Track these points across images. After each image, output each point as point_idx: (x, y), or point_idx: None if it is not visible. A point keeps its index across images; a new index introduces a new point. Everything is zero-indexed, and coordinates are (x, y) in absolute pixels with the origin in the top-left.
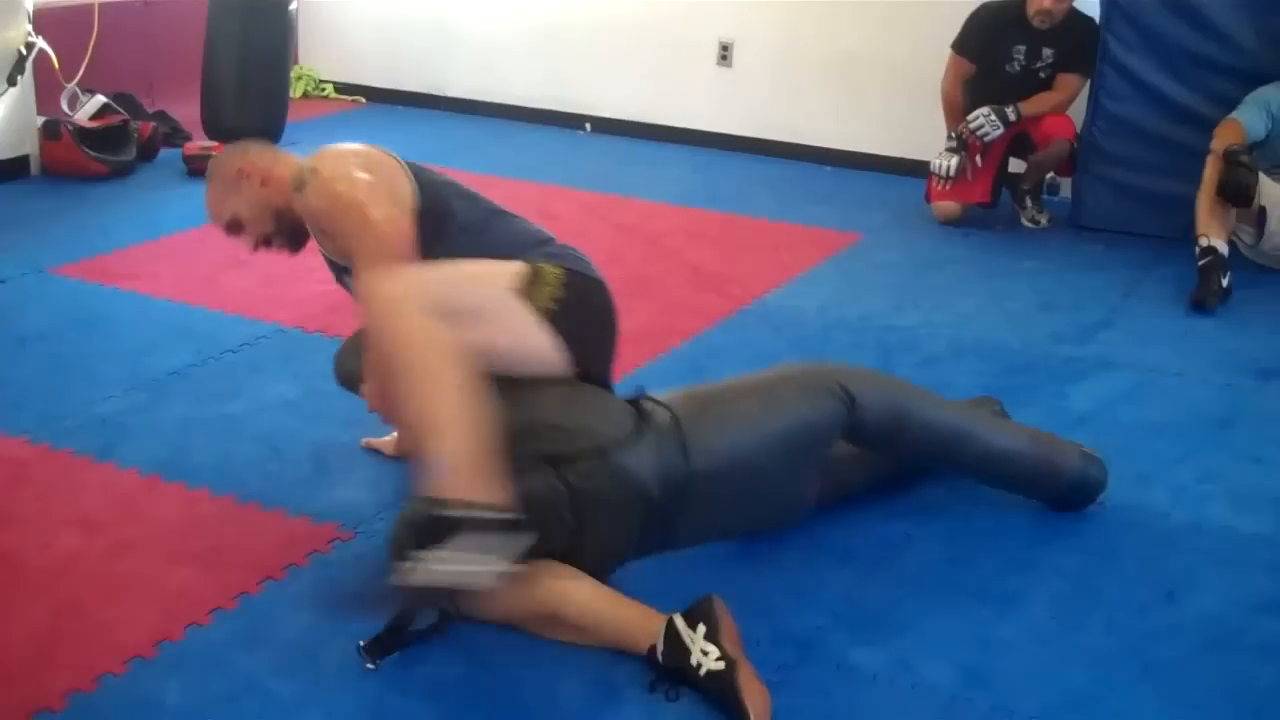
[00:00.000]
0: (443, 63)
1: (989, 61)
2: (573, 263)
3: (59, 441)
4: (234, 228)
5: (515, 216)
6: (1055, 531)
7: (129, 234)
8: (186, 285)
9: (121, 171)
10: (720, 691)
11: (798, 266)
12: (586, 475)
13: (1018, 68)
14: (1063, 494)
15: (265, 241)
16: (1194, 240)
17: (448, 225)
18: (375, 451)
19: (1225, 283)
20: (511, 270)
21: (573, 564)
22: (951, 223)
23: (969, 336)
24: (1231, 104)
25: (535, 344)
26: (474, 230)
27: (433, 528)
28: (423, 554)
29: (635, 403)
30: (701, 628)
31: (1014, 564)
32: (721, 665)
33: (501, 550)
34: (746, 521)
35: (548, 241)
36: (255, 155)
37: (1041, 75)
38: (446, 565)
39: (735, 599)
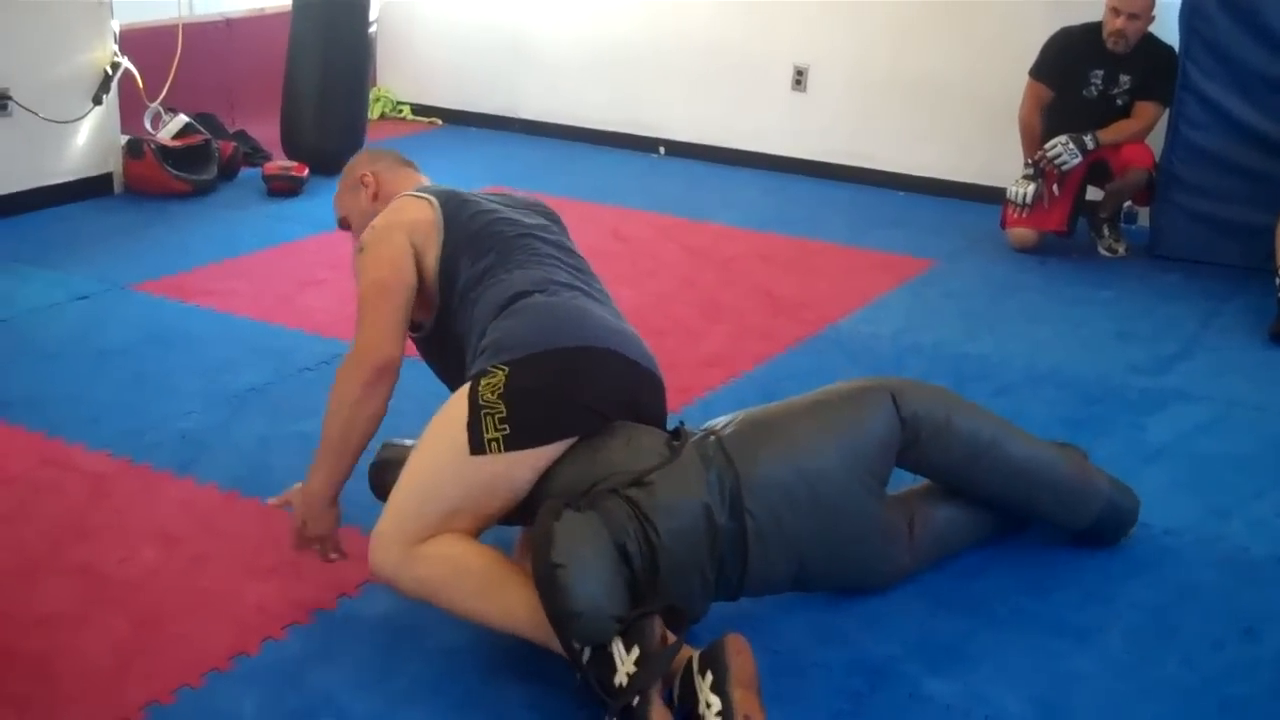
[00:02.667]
0: (516, 84)
1: (1066, 87)
2: (524, 335)
3: (139, 456)
4: (345, 225)
5: (504, 268)
6: (1131, 565)
7: (208, 252)
8: (264, 303)
9: (202, 190)
10: None
11: (871, 292)
12: (637, 500)
13: (1095, 93)
14: (1094, 520)
15: None
16: (1273, 271)
17: (451, 301)
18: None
19: None
20: (456, 434)
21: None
22: (1027, 250)
23: (1044, 365)
24: None
25: (517, 476)
26: (465, 304)
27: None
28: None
29: (675, 432)
30: (709, 675)
31: (1090, 597)
32: None
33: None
34: (827, 558)
35: (516, 298)
36: (383, 167)
37: (1119, 102)
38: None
39: (809, 626)
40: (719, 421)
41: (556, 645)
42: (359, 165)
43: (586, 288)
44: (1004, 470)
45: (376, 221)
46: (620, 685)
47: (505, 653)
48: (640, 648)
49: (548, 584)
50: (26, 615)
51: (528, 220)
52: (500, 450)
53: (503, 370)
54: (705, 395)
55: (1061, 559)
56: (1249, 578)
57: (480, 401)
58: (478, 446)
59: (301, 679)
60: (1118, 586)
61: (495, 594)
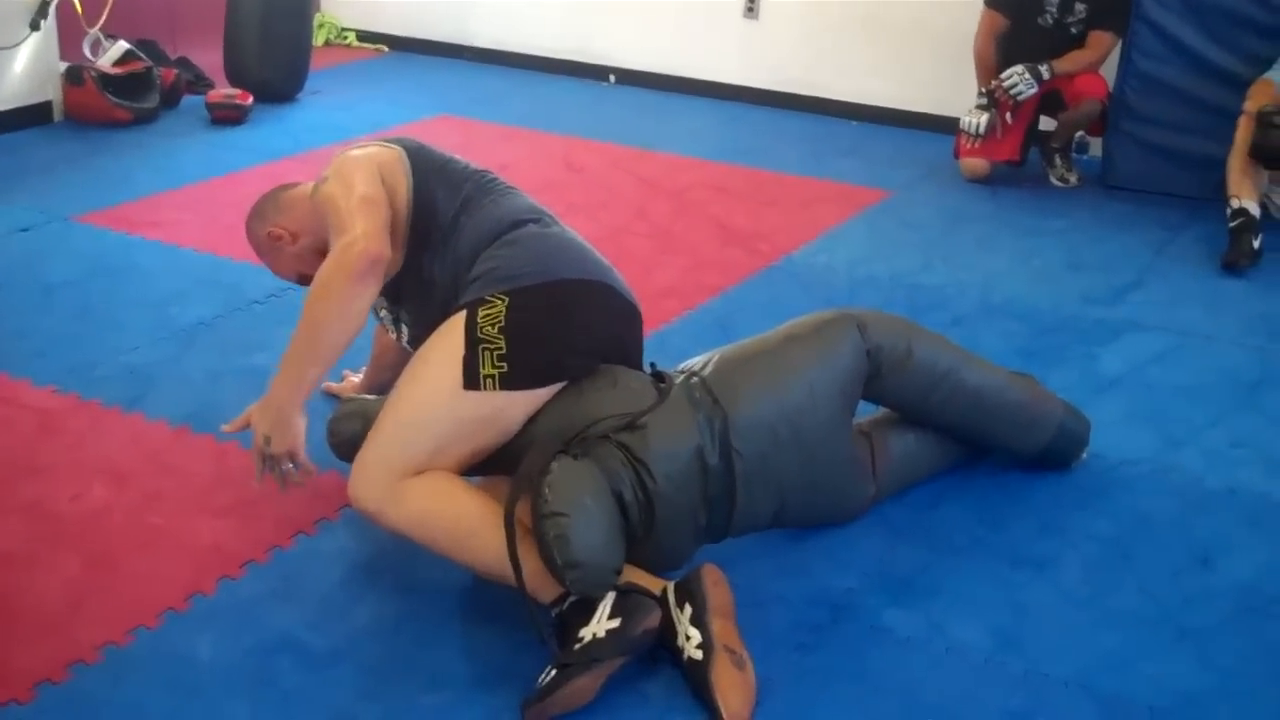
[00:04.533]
0: (466, 12)
1: (1021, 16)
2: (525, 265)
3: (87, 391)
4: (305, 281)
5: (487, 197)
6: (1086, 495)
7: (152, 182)
8: (211, 234)
9: (144, 118)
10: (696, 683)
11: (825, 223)
12: (631, 445)
13: (1050, 22)
14: (1048, 445)
15: None
16: (1225, 201)
17: (431, 234)
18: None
19: (1257, 245)
20: (450, 366)
21: (643, 552)
22: (979, 180)
23: (998, 296)
24: (1266, 64)
25: (510, 417)
26: (448, 233)
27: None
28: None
29: (656, 374)
30: (688, 607)
31: (1046, 528)
32: (700, 654)
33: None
34: (806, 492)
35: (514, 227)
36: (271, 215)
37: (1074, 30)
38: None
39: (769, 559)
40: (695, 362)
41: (545, 590)
42: (255, 231)
43: (559, 221)
44: (960, 399)
45: (336, 161)
46: (581, 639)
47: (464, 592)
48: (622, 622)
49: (548, 533)
50: None
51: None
52: (495, 388)
53: (502, 300)
54: (660, 328)
55: (1017, 490)
56: (1203, 507)
57: (479, 335)
58: (472, 382)
59: (259, 618)
60: (1074, 517)
61: (485, 535)
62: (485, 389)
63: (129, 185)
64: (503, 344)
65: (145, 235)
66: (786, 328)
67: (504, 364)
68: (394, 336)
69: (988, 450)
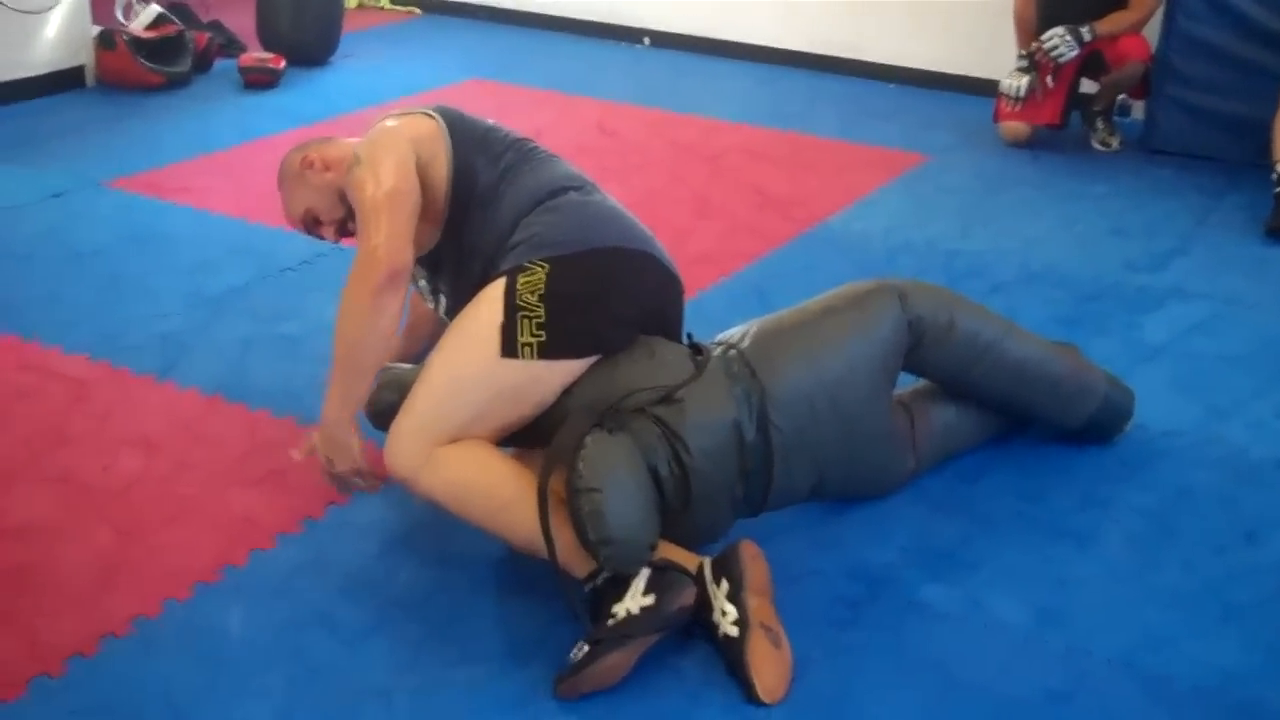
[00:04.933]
0: None
1: None
2: (566, 232)
3: (119, 360)
4: (311, 222)
5: (527, 164)
6: (1130, 468)
7: (184, 147)
8: (244, 200)
9: (177, 83)
10: (731, 660)
11: (863, 188)
12: (667, 419)
13: None
14: (1091, 418)
15: (344, 229)
16: (1270, 165)
17: (471, 204)
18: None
19: None
20: (488, 334)
21: (679, 528)
22: (1020, 144)
23: (1038, 263)
24: None
25: (547, 387)
26: (488, 202)
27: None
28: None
29: (693, 346)
30: (725, 584)
31: (1088, 500)
32: (735, 631)
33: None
34: (845, 465)
35: (554, 194)
36: (315, 146)
37: None
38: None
39: (806, 532)
40: (733, 333)
41: (578, 564)
42: (290, 160)
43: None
44: (1003, 371)
45: (372, 134)
46: (615, 615)
47: (498, 563)
48: (657, 599)
49: (582, 508)
50: (6, 525)
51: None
52: (533, 356)
53: (543, 267)
54: (697, 295)
55: (1059, 462)
56: (1249, 480)
57: (518, 302)
58: (510, 350)
59: (291, 590)
60: (1116, 489)
61: (520, 508)
62: (523, 357)
63: (161, 150)
64: (542, 312)
65: (176, 201)
66: (825, 298)
67: (542, 332)
68: (431, 306)
69: (1030, 423)
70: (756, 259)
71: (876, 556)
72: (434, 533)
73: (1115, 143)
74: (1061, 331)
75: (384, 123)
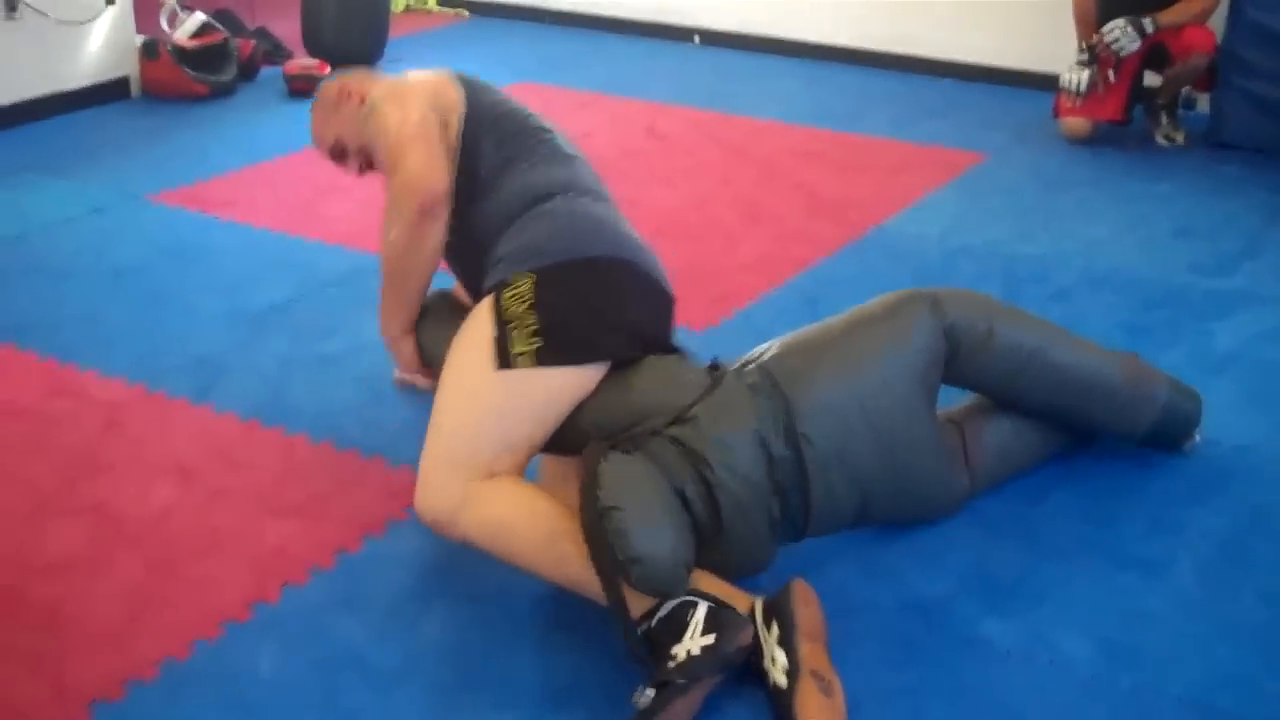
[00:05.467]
0: None
1: None
2: (551, 240)
3: (155, 382)
4: (338, 153)
5: (526, 160)
6: (1200, 487)
7: (229, 158)
8: (286, 213)
9: (222, 92)
10: (779, 711)
11: (918, 190)
12: (684, 438)
13: None
14: (1153, 426)
15: (369, 163)
16: None
17: (473, 185)
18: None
19: None
20: (481, 353)
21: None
22: (1080, 141)
23: (1102, 266)
24: None
25: (557, 396)
26: (487, 188)
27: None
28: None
29: (713, 366)
30: (776, 628)
31: (1157, 526)
32: (784, 681)
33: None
34: (890, 483)
35: (541, 199)
36: (356, 77)
37: None
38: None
39: (857, 561)
40: (756, 350)
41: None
42: (329, 86)
43: (604, 194)
44: (1050, 380)
45: (388, 82)
46: (675, 657)
47: (537, 600)
48: (717, 638)
49: (599, 530)
50: (37, 558)
51: (540, 118)
52: (531, 365)
53: (528, 279)
54: (746, 306)
55: (1125, 482)
56: None
57: (507, 315)
58: (505, 362)
59: (323, 629)
60: (1186, 512)
61: (565, 544)
62: (519, 367)
63: (205, 162)
64: (533, 321)
65: (219, 215)
66: (854, 311)
67: (537, 339)
68: None
69: (1090, 436)
70: (808, 266)
71: (932, 587)
72: (469, 567)
73: (1180, 138)
74: (1127, 340)
75: (407, 75)
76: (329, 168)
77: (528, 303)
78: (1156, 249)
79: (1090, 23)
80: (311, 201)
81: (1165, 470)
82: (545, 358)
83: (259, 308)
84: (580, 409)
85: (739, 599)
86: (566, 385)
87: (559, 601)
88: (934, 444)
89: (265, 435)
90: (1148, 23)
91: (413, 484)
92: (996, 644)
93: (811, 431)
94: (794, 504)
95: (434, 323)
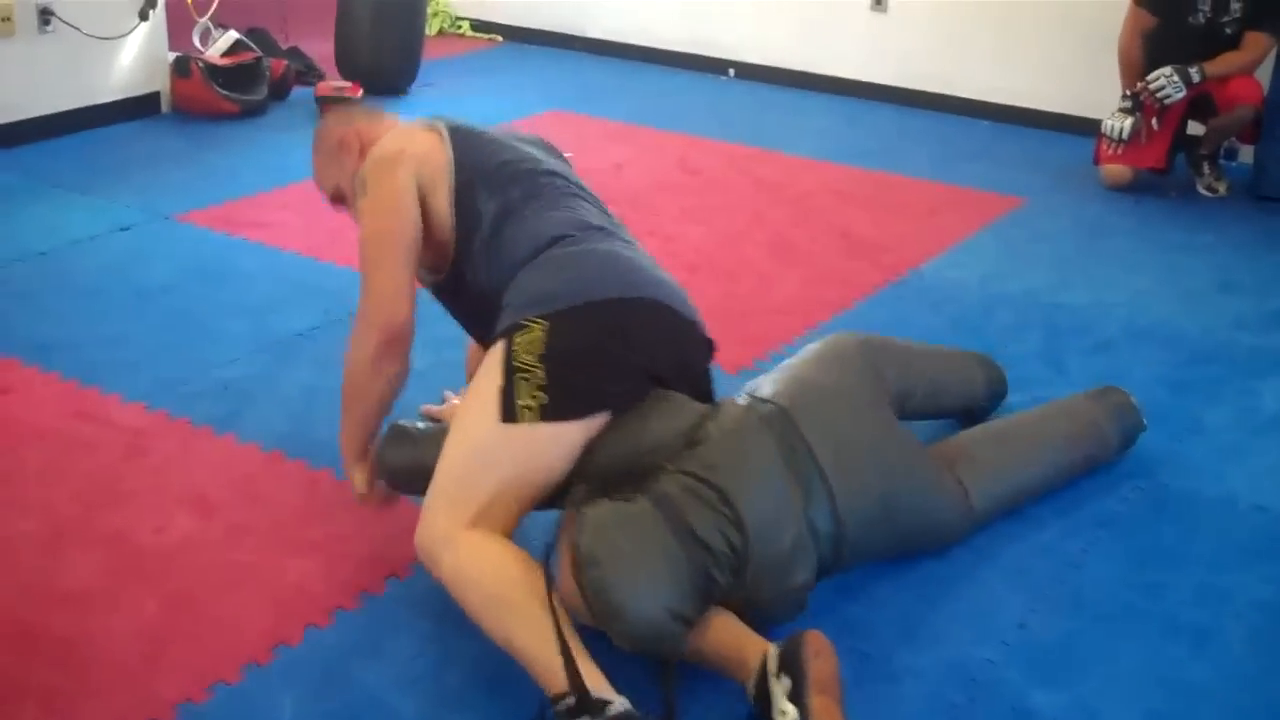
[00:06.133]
0: (582, 1)
1: (1171, 13)
2: (563, 284)
3: (177, 409)
4: (338, 199)
5: (528, 206)
6: (1249, 554)
7: (258, 179)
8: (315, 237)
9: (253, 111)
10: None
11: (955, 233)
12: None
13: (1202, 20)
14: (1114, 459)
15: None
16: None
17: (473, 241)
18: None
19: None
20: (488, 402)
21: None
22: (1121, 188)
23: (1145, 319)
24: None
25: (561, 449)
26: (490, 241)
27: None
28: None
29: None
30: (785, 680)
31: (1204, 593)
32: None
33: None
34: (901, 479)
35: (554, 242)
36: (360, 124)
37: (1228, 31)
38: None
39: (898, 621)
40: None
41: (551, 681)
42: (332, 127)
43: (618, 231)
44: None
45: (376, 151)
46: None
47: None
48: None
49: (585, 588)
50: (54, 590)
51: (547, 160)
52: (536, 420)
53: (539, 324)
54: (779, 348)
55: (1169, 543)
56: None
57: (515, 363)
58: (510, 415)
59: (346, 675)
60: (1234, 579)
61: (503, 608)
62: (523, 421)
63: (233, 182)
64: (541, 373)
65: (247, 237)
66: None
67: (543, 394)
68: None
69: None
70: (843, 310)
71: (977, 653)
72: None
73: (1223, 188)
74: (1171, 397)
75: (392, 136)
76: None
77: (537, 353)
78: (1200, 302)
79: (1135, 69)
80: (339, 227)
81: (1211, 533)
82: (549, 414)
83: (285, 334)
84: (590, 449)
85: (751, 647)
86: (570, 438)
87: (593, 648)
88: (918, 448)
89: (288, 468)
90: (1195, 72)
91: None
92: (1044, 716)
93: (815, 441)
94: (822, 523)
95: (400, 440)
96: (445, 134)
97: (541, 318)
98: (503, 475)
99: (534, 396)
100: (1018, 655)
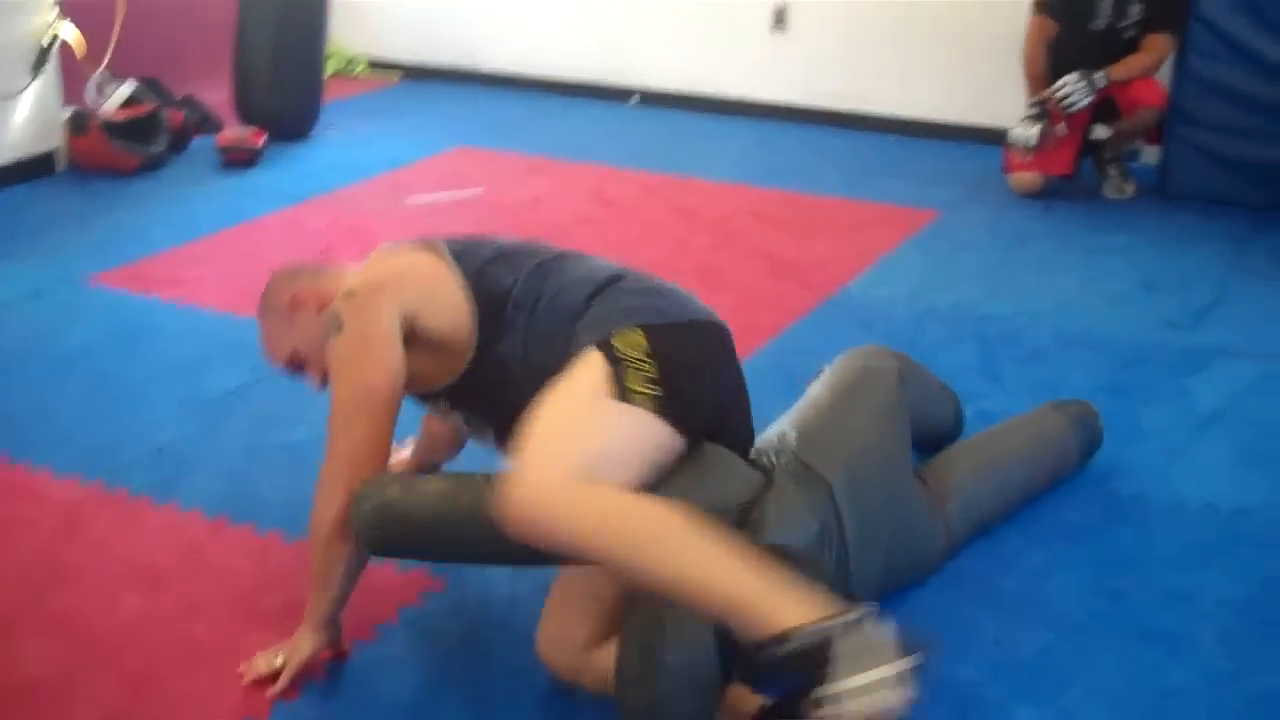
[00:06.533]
0: (479, 36)
1: (1073, 20)
2: (646, 304)
3: (114, 480)
4: (295, 364)
5: (559, 264)
6: (1207, 554)
7: (167, 235)
8: (233, 292)
9: (153, 164)
10: None
11: (877, 249)
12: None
13: (1103, 25)
14: (1077, 468)
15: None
16: None
17: (503, 315)
18: None
19: None
20: (595, 381)
21: None
22: (1031, 195)
23: (1073, 325)
24: None
25: (657, 454)
26: (529, 307)
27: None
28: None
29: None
30: None
31: (1171, 595)
32: None
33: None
34: (901, 535)
35: (612, 280)
36: (308, 280)
37: (1128, 35)
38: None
39: None
40: (771, 435)
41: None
42: (278, 292)
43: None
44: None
45: (353, 283)
46: None
47: (542, 700)
48: None
49: (626, 699)
50: (8, 684)
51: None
52: (649, 409)
53: (636, 330)
54: None
55: (1128, 551)
56: None
57: (621, 356)
58: (622, 394)
59: None
60: (1196, 579)
61: (698, 541)
62: (635, 404)
63: (142, 240)
64: (650, 368)
65: (162, 295)
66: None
67: (656, 388)
68: (462, 428)
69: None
70: (777, 333)
71: (958, 673)
72: (470, 668)
73: (1130, 190)
74: (1109, 401)
75: (373, 264)
76: (271, 241)
77: (642, 349)
78: (1125, 304)
79: (1039, 78)
80: (257, 278)
81: (1167, 536)
82: (663, 408)
83: (215, 394)
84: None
85: (747, 701)
86: (669, 447)
87: (565, 700)
88: (920, 490)
89: (235, 534)
90: (1100, 77)
91: (403, 585)
92: None
93: (847, 506)
94: (837, 581)
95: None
96: (436, 244)
97: (638, 326)
98: (606, 448)
99: (647, 388)
100: (998, 672)
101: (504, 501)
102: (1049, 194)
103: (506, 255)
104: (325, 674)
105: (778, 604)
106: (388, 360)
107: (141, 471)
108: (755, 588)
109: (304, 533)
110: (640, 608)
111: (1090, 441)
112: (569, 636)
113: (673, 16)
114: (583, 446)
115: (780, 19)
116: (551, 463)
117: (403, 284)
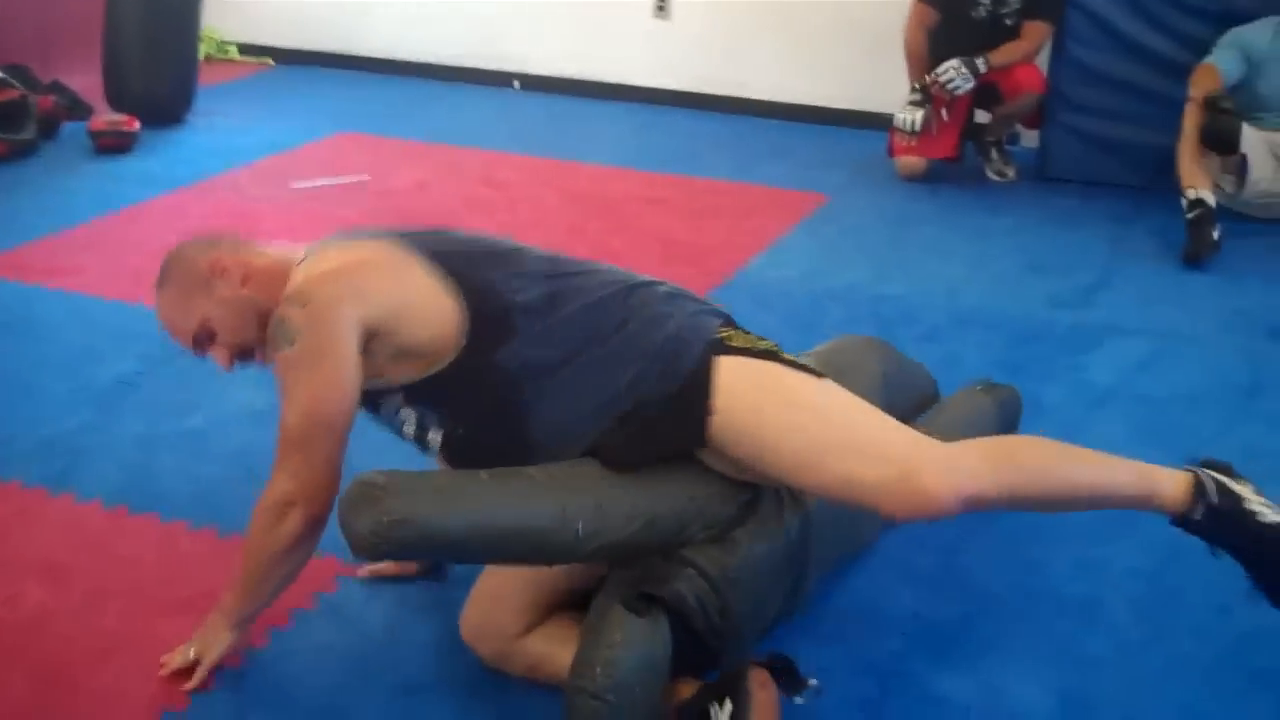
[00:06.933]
0: (357, 19)
1: (953, 8)
2: (706, 314)
3: (6, 471)
4: (203, 337)
5: (570, 268)
6: (1114, 526)
7: (42, 222)
8: (117, 279)
9: (22, 152)
10: None
11: (769, 233)
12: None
13: (984, 13)
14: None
15: (245, 353)
16: (1179, 192)
17: (511, 320)
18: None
19: (1216, 235)
20: (784, 380)
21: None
22: (916, 179)
23: (965, 304)
24: (1204, 47)
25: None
26: (544, 312)
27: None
28: None
29: None
30: (729, 704)
31: (1081, 566)
32: None
33: None
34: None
35: (639, 286)
36: (228, 249)
37: (1008, 22)
38: None
39: (800, 627)
40: None
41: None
42: (192, 258)
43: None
44: None
45: (307, 287)
46: None
47: (467, 686)
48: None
49: (577, 709)
50: None
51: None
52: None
53: (728, 328)
54: None
55: (1039, 524)
56: None
57: (753, 350)
58: (811, 370)
59: None
60: (1107, 551)
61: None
62: (813, 374)
63: (16, 227)
64: (778, 350)
65: (43, 284)
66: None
67: (796, 358)
68: (405, 433)
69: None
70: None
71: (881, 646)
72: (391, 656)
73: (1011, 173)
74: (1007, 378)
75: (326, 261)
76: (154, 228)
77: (754, 340)
78: (1013, 284)
79: (921, 63)
80: (142, 266)
81: (1077, 515)
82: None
83: (104, 383)
84: (653, 496)
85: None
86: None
87: (489, 689)
88: None
89: (137, 524)
90: (980, 62)
91: (320, 571)
92: (955, 700)
93: (820, 556)
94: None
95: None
96: (396, 239)
97: (721, 326)
98: (871, 407)
99: (800, 360)
100: (920, 644)
101: (915, 503)
102: (933, 177)
103: (501, 256)
104: (243, 661)
105: (1157, 472)
106: (344, 381)
107: (34, 463)
108: (1132, 466)
109: (211, 520)
110: (595, 611)
111: (1011, 425)
112: (497, 624)
113: (553, 0)
114: (875, 420)
115: (662, 4)
116: (901, 448)
117: (365, 293)
